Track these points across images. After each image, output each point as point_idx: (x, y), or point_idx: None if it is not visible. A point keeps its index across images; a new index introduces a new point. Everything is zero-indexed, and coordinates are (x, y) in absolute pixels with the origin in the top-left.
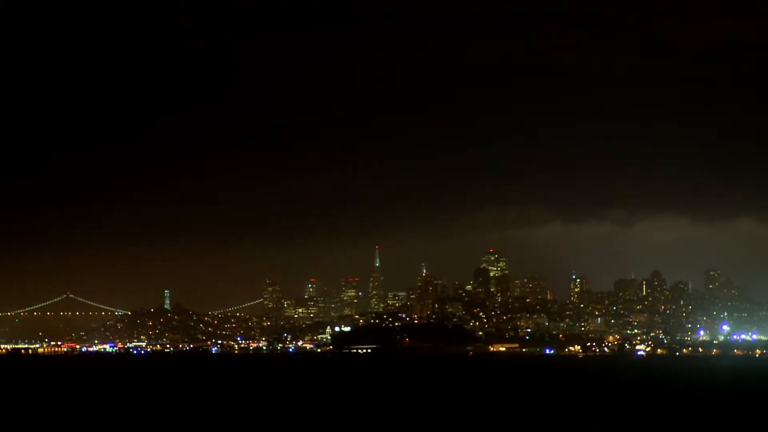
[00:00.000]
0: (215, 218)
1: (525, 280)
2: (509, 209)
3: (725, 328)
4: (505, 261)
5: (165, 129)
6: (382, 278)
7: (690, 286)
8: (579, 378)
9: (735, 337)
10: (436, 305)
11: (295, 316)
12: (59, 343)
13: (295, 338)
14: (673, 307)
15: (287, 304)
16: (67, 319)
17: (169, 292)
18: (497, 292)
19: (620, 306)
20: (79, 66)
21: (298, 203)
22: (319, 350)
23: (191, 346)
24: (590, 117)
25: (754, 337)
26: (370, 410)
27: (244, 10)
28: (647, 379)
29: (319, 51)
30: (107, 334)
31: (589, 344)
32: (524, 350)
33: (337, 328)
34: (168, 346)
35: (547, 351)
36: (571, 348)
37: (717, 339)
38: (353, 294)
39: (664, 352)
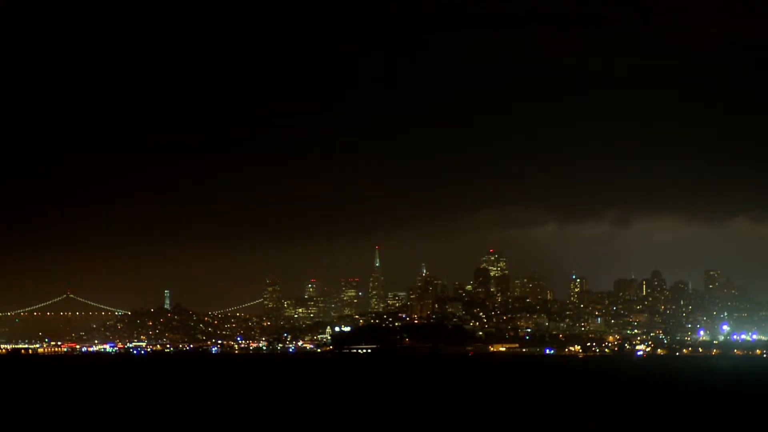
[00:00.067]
0: (215, 218)
1: (525, 280)
2: (509, 209)
3: (725, 328)
4: (505, 261)
5: (165, 129)
6: (382, 278)
7: (690, 286)
8: (579, 378)
9: (735, 337)
10: (436, 305)
11: (295, 316)
12: (59, 343)
13: (295, 338)
14: (673, 307)
15: (287, 304)
16: (67, 319)
17: (169, 292)
18: (497, 292)
19: (620, 306)
20: (79, 66)
21: (298, 203)
22: (319, 350)
23: (191, 346)
24: (590, 117)
25: (754, 337)
26: (370, 410)
27: (244, 10)
28: (647, 379)
29: (319, 51)
30: (107, 334)
31: (589, 344)
32: (524, 350)
33: (337, 328)
34: (168, 346)
35: (547, 351)
36: (571, 348)
37: (717, 339)
38: (353, 294)
39: (664, 352)
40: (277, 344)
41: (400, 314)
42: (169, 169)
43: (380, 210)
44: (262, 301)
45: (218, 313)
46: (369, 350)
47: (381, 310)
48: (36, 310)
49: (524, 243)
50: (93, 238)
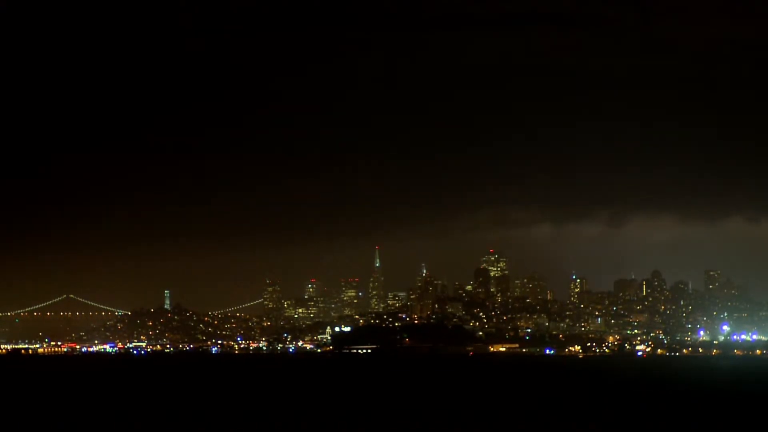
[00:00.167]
0: (215, 218)
1: (525, 280)
2: (509, 209)
3: (725, 328)
4: (505, 261)
5: (165, 129)
6: (382, 278)
7: (690, 286)
8: (579, 378)
9: (735, 337)
10: (436, 305)
11: (295, 316)
12: (59, 343)
13: (295, 338)
14: (673, 307)
15: (287, 304)
16: (67, 319)
17: (169, 292)
18: (497, 292)
19: (620, 306)
20: (79, 66)
21: (298, 203)
22: (319, 350)
23: (191, 346)
24: (590, 117)
25: (754, 337)
26: (370, 410)
27: (244, 10)
28: (647, 379)
29: (319, 51)
30: (107, 334)
31: (589, 344)
32: (524, 350)
33: (337, 328)
34: (168, 346)
35: (547, 351)
36: (571, 348)
37: (717, 339)
38: (353, 294)
39: (664, 352)
40: (277, 344)
41: (400, 314)
42: (169, 169)
43: (380, 210)
44: (262, 301)
45: (218, 313)
46: (369, 350)
47: (381, 310)
48: (36, 310)
49: (524, 243)
50: (93, 238)
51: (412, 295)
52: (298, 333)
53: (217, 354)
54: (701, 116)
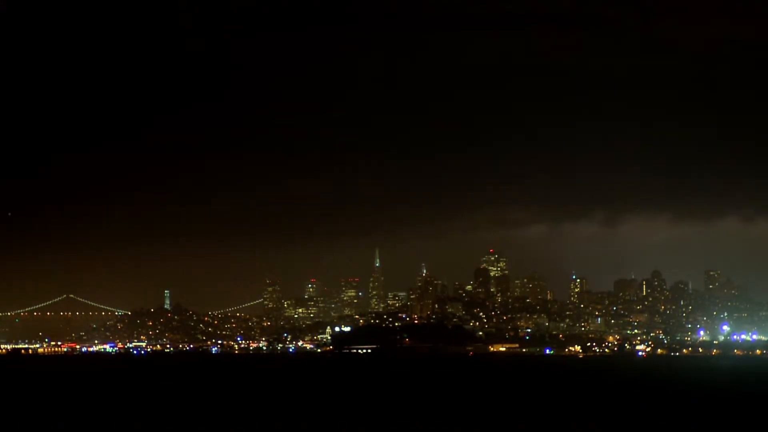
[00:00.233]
0: (215, 218)
1: (525, 280)
2: (509, 209)
3: (725, 328)
4: (505, 261)
5: (165, 129)
6: (382, 278)
7: (690, 286)
8: (579, 378)
9: (735, 337)
10: (436, 305)
11: (295, 316)
12: (59, 343)
13: (295, 338)
14: (673, 307)
15: (287, 304)
16: (67, 319)
17: (169, 292)
18: (497, 292)
19: (620, 306)
20: (80, 66)
21: (298, 203)
22: (319, 350)
23: (191, 346)
24: (590, 117)
25: (754, 337)
26: (370, 410)
27: (244, 10)
28: (647, 379)
29: (319, 51)
30: (107, 334)
31: (589, 344)
32: (524, 350)
33: (337, 328)
34: (168, 346)
35: (547, 351)
36: (571, 348)
37: (717, 339)
38: (353, 294)
39: (664, 352)
40: (277, 344)
41: (400, 314)
42: (169, 169)
43: (380, 210)
44: (262, 301)
45: (218, 313)
46: (369, 350)
47: (381, 310)
48: (36, 310)
49: (524, 243)
50: (93, 238)
51: (412, 295)
52: (298, 333)
53: (217, 354)
54: (701, 116)
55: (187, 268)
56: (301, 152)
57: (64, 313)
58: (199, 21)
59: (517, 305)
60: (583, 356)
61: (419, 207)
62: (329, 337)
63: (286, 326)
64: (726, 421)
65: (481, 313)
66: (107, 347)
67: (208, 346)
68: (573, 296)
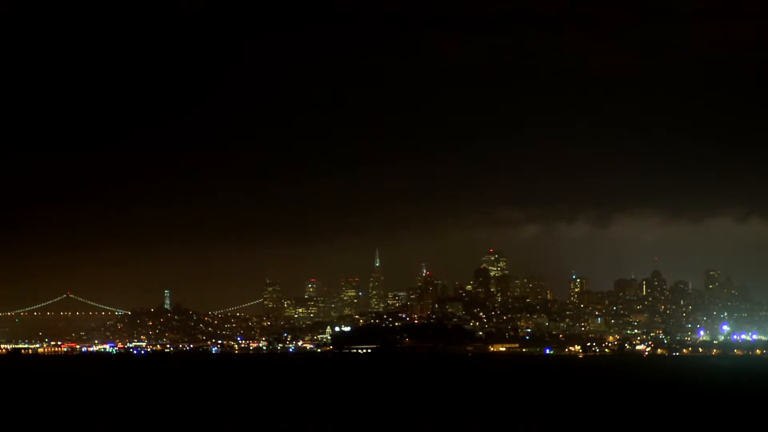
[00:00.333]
0: (215, 218)
1: (525, 280)
2: (509, 209)
3: (725, 328)
4: (505, 261)
5: (165, 129)
6: (382, 278)
7: (690, 286)
8: (579, 378)
9: (735, 337)
10: (436, 305)
11: (295, 316)
12: (59, 343)
13: (295, 338)
14: (673, 307)
15: (287, 304)
16: (67, 319)
17: (169, 292)
18: (497, 292)
19: (620, 306)
20: (80, 66)
21: (299, 203)
22: (319, 350)
23: (191, 346)
24: (590, 117)
25: (754, 337)
26: (370, 410)
27: (244, 9)
28: (647, 379)
29: (319, 51)
30: (107, 334)
31: (589, 344)
32: (524, 350)
33: (337, 328)
34: (168, 346)
35: (547, 351)
36: (571, 348)
37: (717, 339)
38: (353, 294)
39: (664, 352)
40: (277, 344)
41: (400, 314)
42: (170, 169)
43: (380, 210)
44: (262, 301)
45: (218, 313)
46: (369, 350)
47: (381, 310)
48: (36, 310)
49: (524, 243)
50: (93, 238)
51: (412, 295)
52: (298, 333)
53: (217, 354)
54: (701, 116)
55: (187, 268)
56: (302, 152)
57: (64, 313)
58: (199, 21)
59: (517, 305)
60: (583, 356)
61: (419, 207)
62: (329, 337)
63: (286, 326)
64: (726, 421)
65: (481, 313)
66: (107, 347)
67: (208, 346)
68: (573, 296)
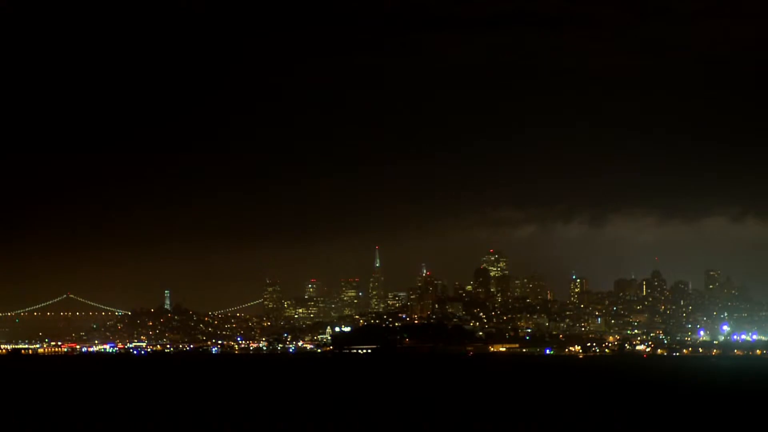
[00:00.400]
0: (215, 218)
1: (525, 280)
2: (509, 209)
3: (725, 328)
4: (505, 261)
5: (165, 129)
6: (382, 278)
7: (690, 286)
8: (579, 378)
9: (735, 337)
10: (436, 305)
11: (295, 316)
12: (59, 343)
13: (295, 338)
14: (673, 307)
15: (287, 304)
16: (67, 319)
17: (169, 292)
18: (497, 292)
19: (620, 306)
20: (80, 66)
21: (299, 203)
22: (319, 350)
23: (191, 346)
24: (590, 117)
25: (754, 337)
26: (370, 410)
27: (244, 9)
28: (647, 379)
29: (319, 51)
30: (107, 334)
31: (589, 344)
32: (524, 350)
33: (337, 328)
34: (168, 346)
35: (547, 351)
36: (571, 348)
37: (717, 339)
38: (353, 294)
39: (665, 352)
40: (277, 344)
41: (400, 314)
42: (170, 169)
43: (380, 210)
44: (262, 301)
45: (218, 313)
46: (369, 350)
47: (381, 310)
48: (36, 310)
49: (524, 243)
50: (93, 238)
51: (412, 295)
52: (298, 333)
53: (217, 354)
54: (701, 116)
55: (187, 268)
56: (302, 152)
57: (64, 313)
58: (198, 21)
59: (517, 305)
60: (583, 356)
61: (419, 207)
62: (329, 337)
63: (286, 326)
64: (726, 421)
65: (481, 313)
66: (107, 347)
67: (208, 346)
68: (573, 296)
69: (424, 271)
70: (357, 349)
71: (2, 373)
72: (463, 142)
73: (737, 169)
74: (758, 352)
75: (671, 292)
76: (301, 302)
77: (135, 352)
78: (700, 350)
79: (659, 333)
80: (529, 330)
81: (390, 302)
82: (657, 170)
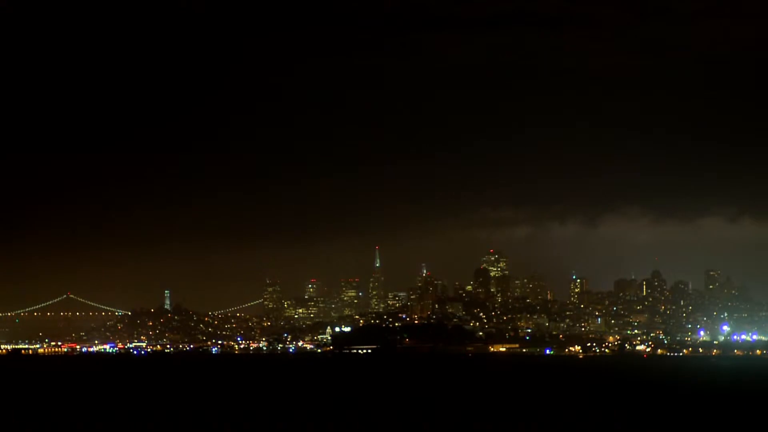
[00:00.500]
0: (215, 218)
1: (525, 280)
2: (509, 209)
3: (725, 328)
4: (505, 261)
5: (165, 129)
6: (382, 278)
7: (690, 286)
8: (579, 378)
9: (735, 337)
10: (437, 305)
11: (295, 316)
12: (59, 343)
13: (295, 338)
14: (673, 307)
15: (287, 304)
16: (67, 319)
17: (169, 292)
18: (497, 293)
19: (620, 306)
20: (80, 66)
21: (299, 203)
22: (319, 350)
23: (191, 346)
24: (590, 117)
25: (754, 337)
26: (370, 410)
27: (244, 9)
28: (647, 379)
29: (319, 51)
30: (107, 334)
31: (589, 344)
32: (524, 350)
33: (337, 329)
34: (168, 346)
35: (547, 351)
36: (571, 348)
37: (717, 339)
38: (353, 294)
39: (665, 352)
40: (277, 344)
41: (400, 314)
42: (170, 169)
43: (380, 210)
44: (262, 301)
45: (218, 314)
46: (369, 350)
47: (381, 310)
48: (36, 310)
49: (524, 243)
50: (93, 238)
51: (412, 295)
52: (298, 333)
53: (217, 354)
54: (701, 116)
55: (187, 268)
56: (302, 152)
57: (64, 313)
58: (198, 21)
59: (517, 305)
60: (583, 356)
61: (419, 207)
62: (329, 337)
63: (286, 326)
64: (726, 421)
65: (481, 313)
66: (107, 347)
67: (208, 346)
68: (573, 296)
69: (424, 271)
70: (357, 349)
71: (2, 373)
72: (463, 142)
73: (737, 169)
74: (758, 352)
75: (671, 292)
76: (301, 302)
77: (135, 352)
78: (700, 350)
79: (659, 333)
80: (529, 330)
81: (390, 302)
82: (657, 170)
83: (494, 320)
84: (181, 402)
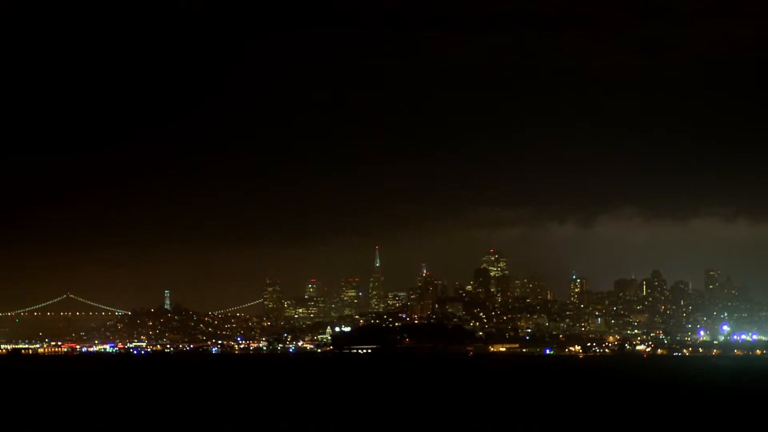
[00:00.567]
0: (215, 218)
1: (525, 280)
2: (509, 209)
3: (725, 328)
4: (505, 261)
5: (165, 129)
6: (382, 278)
7: (690, 286)
8: (579, 378)
9: (735, 337)
10: (437, 305)
11: (295, 316)
12: (59, 343)
13: (296, 338)
14: (673, 307)
15: (287, 304)
16: (67, 319)
17: (169, 292)
18: (497, 293)
19: (620, 306)
20: (80, 66)
21: (299, 203)
22: (319, 350)
23: (191, 346)
24: (590, 117)
25: (754, 337)
26: (370, 410)
27: (244, 9)
28: (647, 379)
29: (319, 51)
30: (107, 334)
31: (589, 344)
32: (524, 350)
33: (337, 328)
34: (168, 346)
35: (547, 351)
36: (571, 348)
37: (717, 339)
38: (353, 294)
39: (665, 352)
40: (277, 344)
41: (400, 314)
42: (170, 169)
43: (380, 210)
44: (262, 301)
45: (218, 313)
46: (369, 350)
47: (381, 310)
48: (36, 310)
49: (524, 243)
50: (93, 238)
51: (412, 295)
52: (298, 333)
53: (217, 354)
54: (701, 116)
55: (187, 268)
56: (302, 152)
57: (64, 313)
58: (198, 21)
59: (517, 305)
60: (583, 356)
61: (419, 207)
62: (329, 337)
63: (286, 326)
64: (726, 421)
65: (481, 313)
66: (107, 347)
67: (208, 346)
68: (573, 296)
69: (424, 271)
70: (357, 349)
71: (2, 373)
72: (463, 142)
73: (737, 169)
74: (758, 352)
75: (671, 292)
76: (301, 302)
77: (135, 352)
78: (700, 350)
79: (659, 333)
80: (529, 330)
81: (390, 302)
82: (657, 170)
83: (494, 320)
84: (181, 402)
